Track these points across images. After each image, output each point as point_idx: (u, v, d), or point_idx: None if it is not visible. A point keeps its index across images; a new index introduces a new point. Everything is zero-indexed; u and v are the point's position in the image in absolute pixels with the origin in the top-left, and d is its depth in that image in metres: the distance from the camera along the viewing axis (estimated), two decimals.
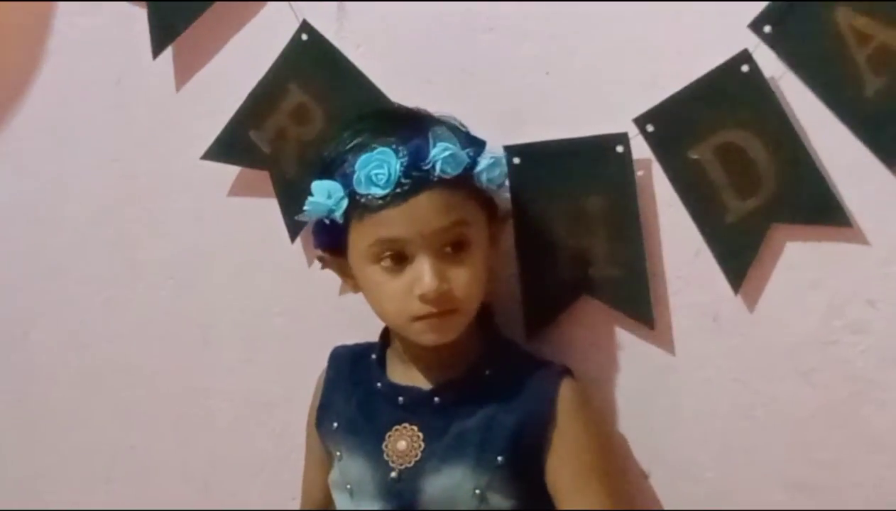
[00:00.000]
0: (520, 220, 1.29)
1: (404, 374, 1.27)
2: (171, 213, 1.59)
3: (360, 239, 1.19)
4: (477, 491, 1.19)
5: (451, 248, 1.17)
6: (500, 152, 1.26)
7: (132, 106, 1.59)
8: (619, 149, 1.22)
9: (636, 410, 1.30)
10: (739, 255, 1.19)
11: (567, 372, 1.24)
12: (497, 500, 1.20)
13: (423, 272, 1.16)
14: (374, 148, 1.16)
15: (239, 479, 1.61)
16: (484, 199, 1.22)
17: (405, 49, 1.36)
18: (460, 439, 1.21)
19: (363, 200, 1.16)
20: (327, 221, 1.21)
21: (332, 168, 1.20)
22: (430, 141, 1.15)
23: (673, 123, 1.19)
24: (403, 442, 1.24)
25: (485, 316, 1.26)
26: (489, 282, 1.23)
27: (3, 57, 1.68)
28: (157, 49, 1.49)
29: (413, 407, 1.25)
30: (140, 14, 1.50)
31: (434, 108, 1.25)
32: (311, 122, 1.41)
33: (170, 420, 1.66)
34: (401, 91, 1.33)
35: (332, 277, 1.32)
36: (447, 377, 1.24)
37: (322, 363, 1.38)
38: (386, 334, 1.31)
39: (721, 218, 1.19)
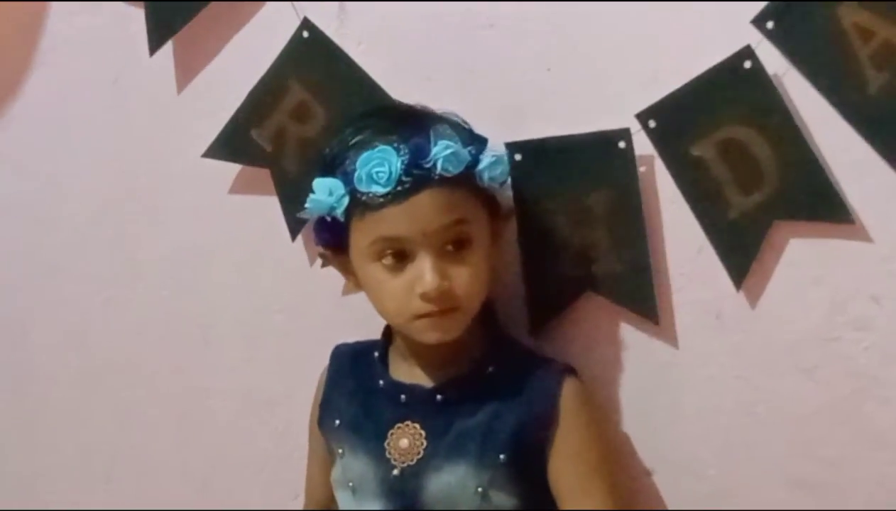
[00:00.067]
0: (522, 216, 1.29)
1: (407, 372, 1.27)
2: (171, 212, 1.59)
3: (362, 237, 1.19)
4: (479, 489, 1.19)
5: (453, 246, 1.17)
6: (502, 150, 1.26)
7: (131, 104, 1.59)
8: (622, 144, 1.22)
9: (638, 408, 1.30)
10: (742, 252, 1.19)
11: (570, 370, 1.23)
12: (499, 498, 1.19)
13: (424, 270, 1.16)
14: (376, 146, 1.15)
15: (240, 479, 1.61)
16: (486, 197, 1.21)
17: (406, 46, 1.36)
18: (463, 437, 1.21)
19: (364, 198, 1.16)
20: (329, 219, 1.21)
21: (333, 165, 1.20)
22: (432, 139, 1.15)
23: (675, 119, 1.19)
24: (406, 440, 1.23)
25: (487, 313, 1.26)
26: (491, 279, 1.23)
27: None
28: (154, 46, 1.49)
29: (415, 405, 1.25)
30: (138, 12, 1.50)
31: (435, 105, 1.24)
32: (312, 120, 1.41)
33: (170, 419, 1.66)
34: (402, 88, 1.33)
35: (332, 275, 1.32)
36: (450, 375, 1.24)
37: (323, 361, 1.38)
38: (388, 332, 1.30)
39: (723, 214, 1.19)
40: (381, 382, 1.28)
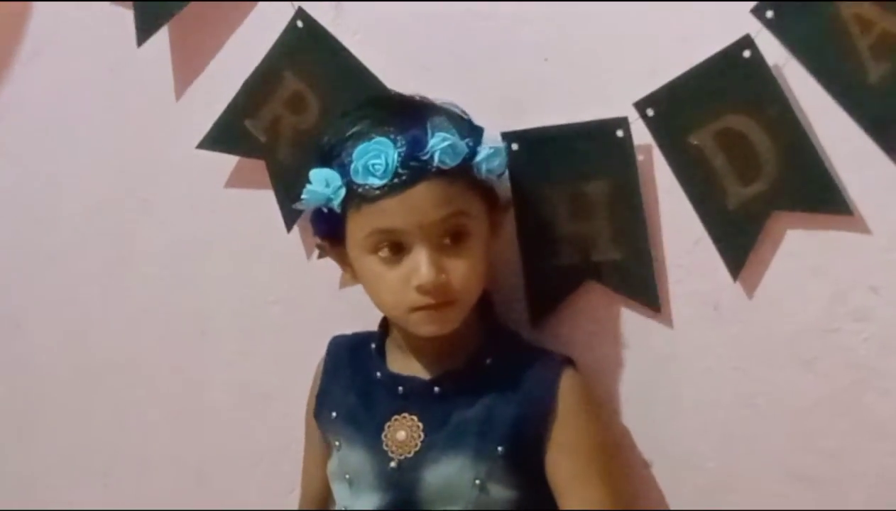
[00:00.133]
0: (520, 206, 1.28)
1: (404, 364, 1.27)
2: (167, 205, 1.59)
3: (358, 229, 1.18)
4: (477, 481, 1.18)
5: (450, 238, 1.17)
6: (500, 141, 1.25)
7: (126, 97, 1.58)
8: (620, 133, 1.21)
9: (637, 400, 1.29)
10: (740, 242, 1.19)
11: (568, 362, 1.23)
12: (497, 490, 1.19)
13: (420, 263, 1.15)
14: (373, 137, 1.15)
15: (237, 472, 1.60)
16: (483, 189, 1.21)
17: (402, 36, 1.35)
18: (460, 429, 1.21)
19: (361, 190, 1.16)
20: (325, 210, 1.20)
21: (330, 156, 1.19)
22: (429, 131, 1.15)
23: (673, 108, 1.18)
24: (403, 432, 1.23)
25: (485, 305, 1.26)
26: (489, 271, 1.23)
27: None
28: (143, 38, 1.49)
29: (413, 397, 1.24)
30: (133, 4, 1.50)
31: (432, 96, 1.24)
32: (307, 111, 1.40)
33: (167, 413, 1.66)
34: (398, 79, 1.32)
35: (329, 267, 1.31)
36: (447, 367, 1.24)
37: (320, 353, 1.37)
38: (385, 323, 1.30)
39: (722, 204, 1.18)
40: (379, 374, 1.28)
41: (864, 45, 1.09)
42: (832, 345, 1.17)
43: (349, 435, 1.27)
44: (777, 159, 1.15)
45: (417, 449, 1.22)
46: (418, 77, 1.31)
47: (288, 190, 1.38)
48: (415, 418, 1.23)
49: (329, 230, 1.24)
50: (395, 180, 1.14)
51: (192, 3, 1.45)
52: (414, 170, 1.14)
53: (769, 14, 1.12)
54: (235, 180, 1.50)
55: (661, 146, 1.21)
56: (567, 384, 1.20)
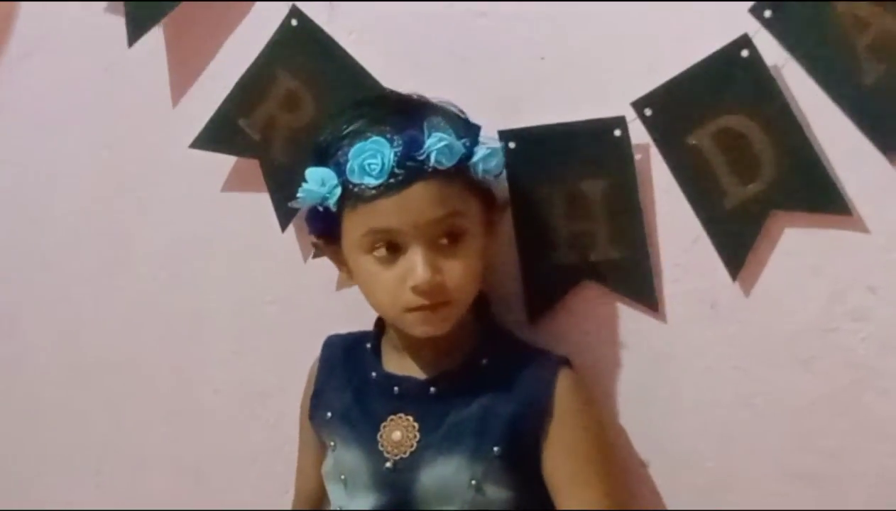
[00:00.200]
0: (517, 205, 1.28)
1: (399, 364, 1.26)
2: (163, 203, 1.59)
3: (354, 228, 1.18)
4: (473, 482, 1.18)
5: (447, 238, 1.16)
6: (495, 139, 1.25)
7: (121, 96, 1.58)
8: (617, 132, 1.21)
9: (634, 399, 1.29)
10: (738, 242, 1.18)
11: (565, 362, 1.23)
12: (493, 490, 1.19)
13: (416, 263, 1.15)
14: (369, 137, 1.14)
15: (232, 472, 1.60)
16: (480, 190, 1.20)
17: (398, 35, 1.35)
18: (456, 430, 1.20)
19: (356, 190, 1.15)
20: (321, 209, 1.20)
21: (326, 155, 1.19)
22: (426, 131, 1.14)
23: (671, 108, 1.18)
24: (398, 432, 1.23)
25: (481, 305, 1.26)
26: (486, 271, 1.23)
27: None
28: (134, 37, 1.48)
29: (408, 397, 1.24)
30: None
31: (428, 94, 1.23)
32: (302, 110, 1.39)
33: (161, 412, 1.65)
34: (394, 78, 1.32)
35: (325, 267, 1.31)
36: (443, 367, 1.23)
37: (315, 352, 1.37)
38: (381, 323, 1.30)
39: (720, 204, 1.18)
40: (374, 374, 1.27)
41: (861, 45, 1.09)
42: (831, 344, 1.17)
43: (344, 435, 1.27)
44: (776, 159, 1.14)
45: (413, 449, 1.21)
46: (414, 76, 1.30)
47: (282, 189, 1.37)
48: (410, 418, 1.23)
49: (325, 229, 1.23)
50: (391, 180, 1.13)
51: (185, 2, 1.44)
52: (410, 170, 1.14)
53: (767, 13, 1.12)
54: (231, 180, 1.49)
55: (660, 146, 1.20)
56: (564, 384, 1.20)
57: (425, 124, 1.14)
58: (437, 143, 1.13)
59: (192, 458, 1.64)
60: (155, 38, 1.49)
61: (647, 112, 1.19)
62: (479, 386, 1.21)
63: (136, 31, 1.48)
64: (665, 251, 1.24)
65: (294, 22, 1.37)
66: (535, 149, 1.26)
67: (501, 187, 1.26)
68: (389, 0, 1.34)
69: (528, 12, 1.26)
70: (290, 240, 1.45)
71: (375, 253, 1.17)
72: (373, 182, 1.14)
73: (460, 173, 1.17)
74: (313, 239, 1.27)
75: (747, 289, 1.20)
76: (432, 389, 1.23)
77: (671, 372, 1.26)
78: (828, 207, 1.13)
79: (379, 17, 1.35)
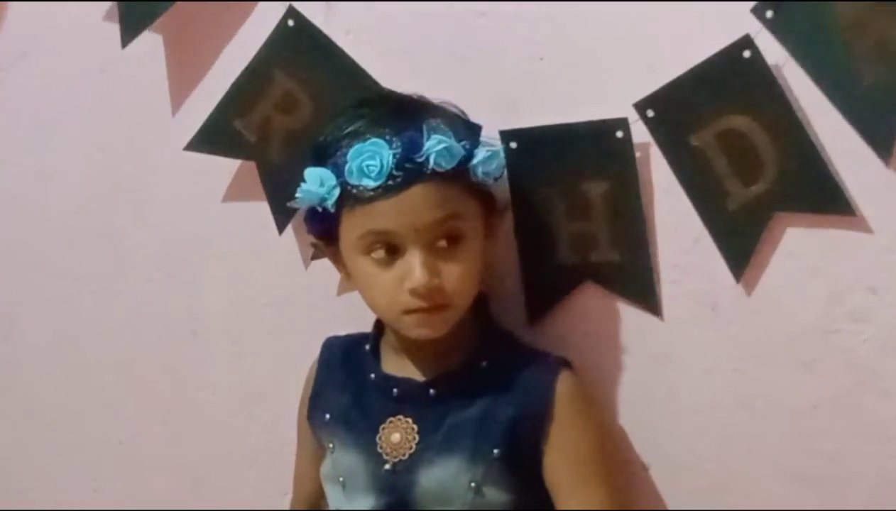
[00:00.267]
0: (518, 205, 1.28)
1: (398, 366, 1.26)
2: (159, 205, 1.58)
3: (352, 229, 1.18)
4: (472, 484, 1.18)
5: (446, 241, 1.16)
6: (497, 142, 1.25)
7: (117, 97, 1.57)
8: (619, 134, 1.21)
9: (635, 401, 1.29)
10: (741, 243, 1.18)
11: (565, 364, 1.23)
12: (493, 493, 1.18)
13: (413, 266, 1.15)
14: (368, 138, 1.14)
15: (229, 474, 1.60)
16: (480, 192, 1.20)
17: (396, 35, 1.35)
18: (455, 432, 1.20)
19: (354, 191, 1.15)
20: (319, 209, 1.20)
21: (325, 155, 1.19)
22: (425, 133, 1.14)
23: (674, 109, 1.18)
24: (397, 434, 1.22)
25: (481, 307, 1.25)
26: (485, 273, 1.22)
27: None
28: (127, 38, 1.47)
29: (407, 399, 1.24)
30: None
31: (427, 95, 1.23)
32: (299, 111, 1.39)
33: (158, 414, 1.65)
34: (392, 78, 1.31)
35: (323, 269, 1.31)
36: (442, 369, 1.23)
37: (313, 354, 1.37)
38: (380, 324, 1.29)
39: (723, 205, 1.18)
40: (373, 376, 1.27)
41: (860, 46, 1.09)
42: (832, 346, 1.17)
43: (343, 437, 1.26)
44: (778, 159, 1.14)
45: (412, 451, 1.21)
46: (412, 76, 1.30)
47: (279, 192, 1.36)
48: (409, 420, 1.23)
49: (323, 230, 1.23)
50: (390, 182, 1.13)
51: (181, 2, 1.43)
52: (409, 172, 1.13)
53: (769, 14, 1.11)
54: (228, 182, 1.49)
55: (662, 147, 1.20)
56: (564, 386, 1.20)
57: (424, 126, 1.14)
58: (436, 146, 1.13)
59: (189, 461, 1.63)
60: (150, 38, 1.48)
61: (650, 113, 1.19)
62: (479, 388, 1.21)
63: (129, 31, 1.47)
64: (665, 252, 1.24)
65: (291, 22, 1.36)
66: (536, 149, 1.26)
67: (502, 189, 1.26)
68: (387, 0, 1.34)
69: (528, 12, 1.26)
70: (287, 242, 1.44)
71: (373, 254, 1.17)
72: (371, 184, 1.13)
73: (460, 175, 1.16)
74: (312, 240, 1.27)
75: (748, 290, 1.20)
76: (431, 391, 1.22)
77: (671, 373, 1.26)
78: (831, 208, 1.13)
79: (377, 17, 1.35)
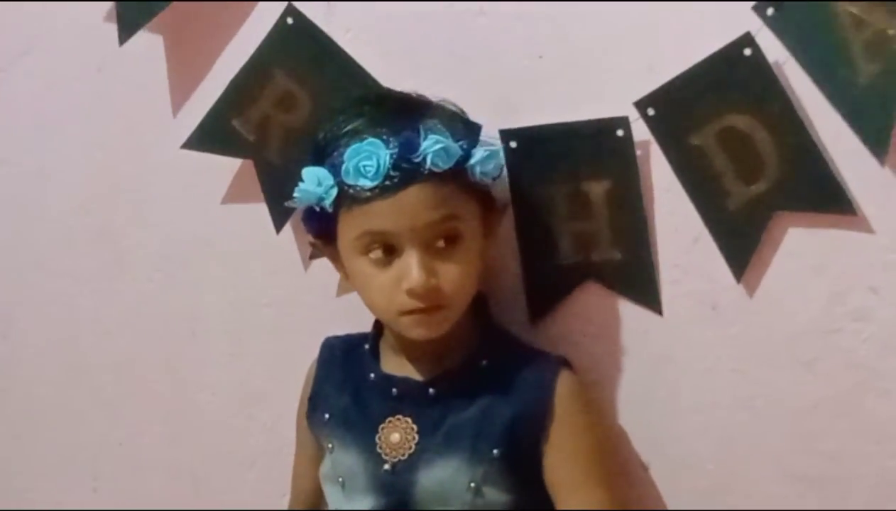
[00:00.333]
0: (519, 205, 1.28)
1: (398, 365, 1.26)
2: (158, 204, 1.58)
3: (349, 229, 1.17)
4: (472, 484, 1.18)
5: (444, 241, 1.16)
6: (496, 141, 1.24)
7: (115, 95, 1.57)
8: (620, 132, 1.21)
9: (635, 401, 1.28)
10: (742, 243, 1.18)
11: (565, 363, 1.22)
12: (492, 493, 1.18)
13: (410, 266, 1.14)
14: (365, 138, 1.14)
15: (229, 475, 1.59)
16: (478, 192, 1.20)
17: (396, 33, 1.34)
18: (455, 431, 1.20)
19: (352, 191, 1.15)
20: (317, 209, 1.19)
21: (323, 154, 1.18)
22: (422, 133, 1.13)
23: (674, 107, 1.18)
24: (397, 434, 1.22)
25: (480, 306, 1.25)
26: (482, 275, 1.22)
27: None
28: (125, 35, 1.47)
29: (407, 398, 1.23)
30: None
31: (426, 94, 1.23)
32: (298, 110, 1.38)
33: (157, 415, 1.65)
34: (391, 77, 1.31)
35: (322, 269, 1.32)
36: (442, 368, 1.23)
37: (312, 355, 1.36)
38: (379, 324, 1.29)
39: (723, 204, 1.18)
40: (372, 375, 1.27)
41: (858, 44, 1.08)
42: (832, 346, 1.17)
43: (342, 437, 1.26)
44: (779, 158, 1.14)
45: (412, 451, 1.21)
46: (412, 75, 1.29)
47: (277, 191, 1.36)
48: (409, 420, 1.22)
49: (321, 229, 1.23)
50: (387, 182, 1.13)
51: (179, 1, 1.43)
52: (406, 172, 1.13)
53: (770, 11, 1.11)
54: (227, 181, 1.48)
55: (663, 146, 1.20)
56: (564, 386, 1.19)
57: (421, 126, 1.14)
58: (433, 146, 1.13)
59: (188, 461, 1.63)
60: (149, 37, 1.48)
61: (650, 112, 1.19)
62: (479, 387, 1.21)
63: (126, 29, 1.46)
64: (665, 252, 1.23)
65: (290, 20, 1.36)
66: (537, 148, 1.26)
67: (502, 189, 1.25)
68: None
69: (528, 11, 1.26)
70: (287, 242, 1.44)
71: (371, 255, 1.17)
72: (368, 184, 1.13)
73: (457, 175, 1.16)
74: (311, 239, 1.27)
75: (748, 289, 1.20)
76: (431, 391, 1.22)
77: (672, 373, 1.26)
78: (832, 207, 1.13)
79: (376, 15, 1.34)
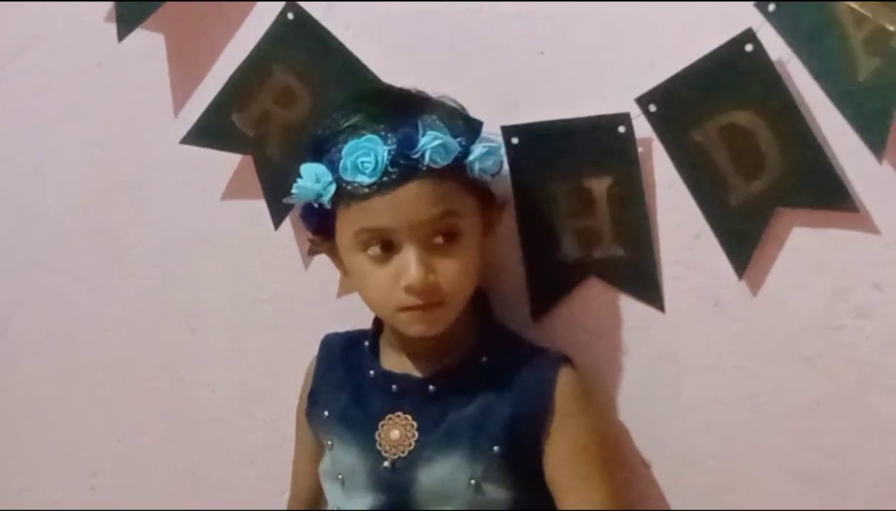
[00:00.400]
0: (521, 201, 1.28)
1: (398, 362, 1.26)
2: (157, 201, 1.58)
3: (347, 226, 1.17)
4: (472, 481, 1.17)
5: (442, 238, 1.15)
6: (498, 137, 1.24)
7: (114, 91, 1.57)
8: (622, 129, 1.21)
9: (636, 398, 1.28)
10: (743, 239, 1.18)
11: (565, 360, 1.22)
12: (493, 490, 1.18)
13: (409, 263, 1.14)
14: (363, 134, 1.13)
15: (228, 472, 1.59)
16: (477, 189, 1.19)
17: (396, 29, 1.34)
18: (455, 428, 1.19)
19: (350, 188, 1.14)
20: (316, 205, 1.19)
21: (322, 150, 1.18)
22: (420, 129, 1.13)
23: (676, 104, 1.18)
24: (397, 431, 1.22)
25: (480, 302, 1.25)
26: (481, 272, 1.22)
27: None
28: (124, 32, 1.46)
29: (407, 395, 1.23)
30: None
31: (426, 90, 1.22)
32: (298, 106, 1.38)
33: (156, 413, 1.64)
34: (392, 72, 1.31)
35: (322, 265, 1.32)
36: (441, 365, 1.23)
37: (312, 351, 1.36)
38: (379, 321, 1.29)
39: (725, 201, 1.18)
40: (372, 372, 1.26)
41: (858, 40, 1.08)
42: (835, 342, 1.17)
43: (342, 434, 1.26)
44: (781, 155, 1.14)
45: (412, 448, 1.21)
46: (412, 71, 1.29)
47: (276, 187, 1.35)
48: (409, 417, 1.22)
49: (319, 226, 1.23)
50: (385, 179, 1.12)
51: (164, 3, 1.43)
52: (404, 168, 1.13)
53: (771, 7, 1.11)
54: (226, 177, 1.48)
55: (664, 142, 1.19)
56: (564, 382, 1.19)
57: (420, 122, 1.13)
58: (431, 142, 1.12)
59: (188, 459, 1.63)
60: (147, 32, 1.48)
61: (652, 108, 1.18)
62: (479, 384, 1.21)
63: (125, 25, 1.46)
64: (667, 248, 1.23)
65: (290, 15, 1.36)
66: (538, 145, 1.25)
67: (500, 186, 1.25)
68: None
69: (529, 6, 1.25)
70: (286, 238, 1.44)
71: (369, 251, 1.16)
72: (366, 180, 1.13)
73: (456, 171, 1.16)
74: (309, 235, 1.26)
75: (751, 286, 1.20)
76: (431, 387, 1.22)
77: (674, 370, 1.26)
78: (834, 204, 1.13)
79: (377, 11, 1.34)
